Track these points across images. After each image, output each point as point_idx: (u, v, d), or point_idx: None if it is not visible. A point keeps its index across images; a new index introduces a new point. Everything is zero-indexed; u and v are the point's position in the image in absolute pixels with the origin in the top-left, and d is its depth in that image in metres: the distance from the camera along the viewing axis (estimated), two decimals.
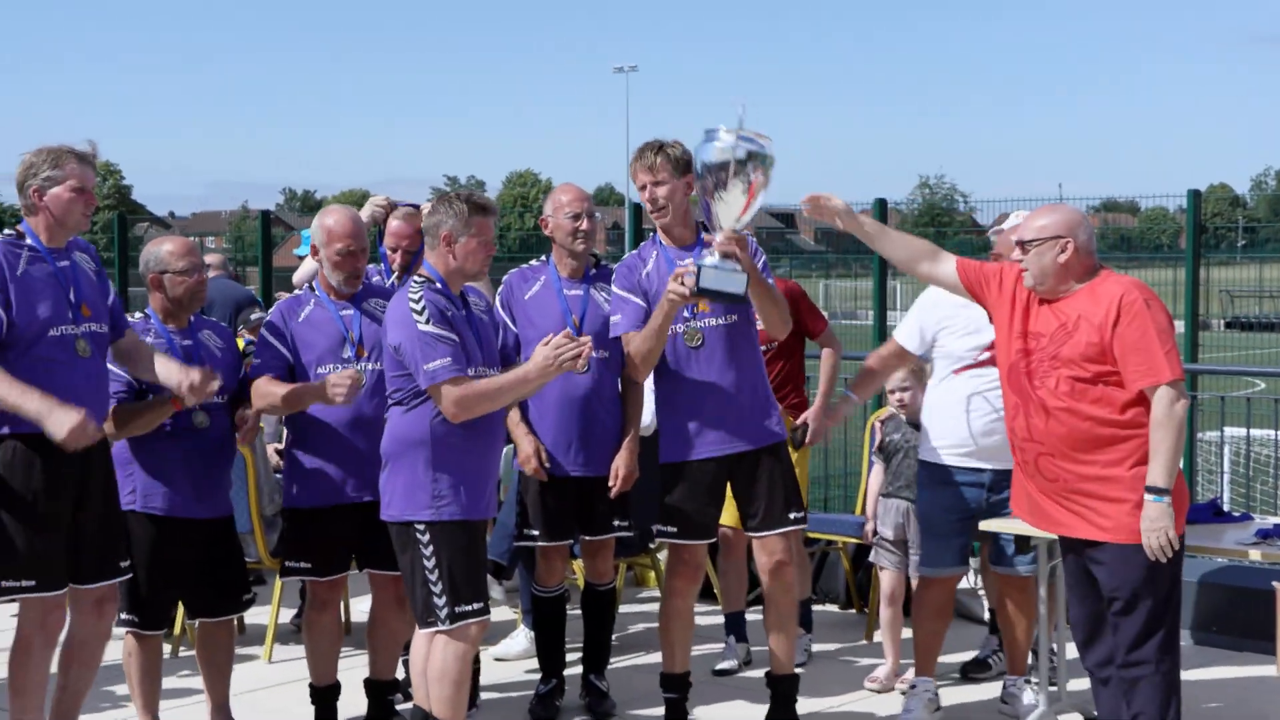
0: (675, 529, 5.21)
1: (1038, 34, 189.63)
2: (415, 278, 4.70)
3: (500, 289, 5.54)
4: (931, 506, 5.49)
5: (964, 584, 6.23)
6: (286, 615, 6.81)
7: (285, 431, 5.27)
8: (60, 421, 4.36)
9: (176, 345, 4.98)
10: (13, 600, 4.65)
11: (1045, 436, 4.46)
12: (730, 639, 6.30)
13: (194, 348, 5.01)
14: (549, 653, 5.68)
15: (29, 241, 4.63)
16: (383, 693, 5.30)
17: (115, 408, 4.81)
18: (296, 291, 5.56)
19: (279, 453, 5.91)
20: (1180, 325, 8.73)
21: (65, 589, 4.66)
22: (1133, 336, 4.33)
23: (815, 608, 6.78)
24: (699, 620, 5.55)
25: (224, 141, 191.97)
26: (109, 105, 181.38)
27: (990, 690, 5.87)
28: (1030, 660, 5.57)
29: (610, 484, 5.37)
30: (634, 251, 5.37)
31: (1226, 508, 5.69)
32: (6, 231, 4.69)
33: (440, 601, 4.56)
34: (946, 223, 42.60)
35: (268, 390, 4.96)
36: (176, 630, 6.44)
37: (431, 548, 4.56)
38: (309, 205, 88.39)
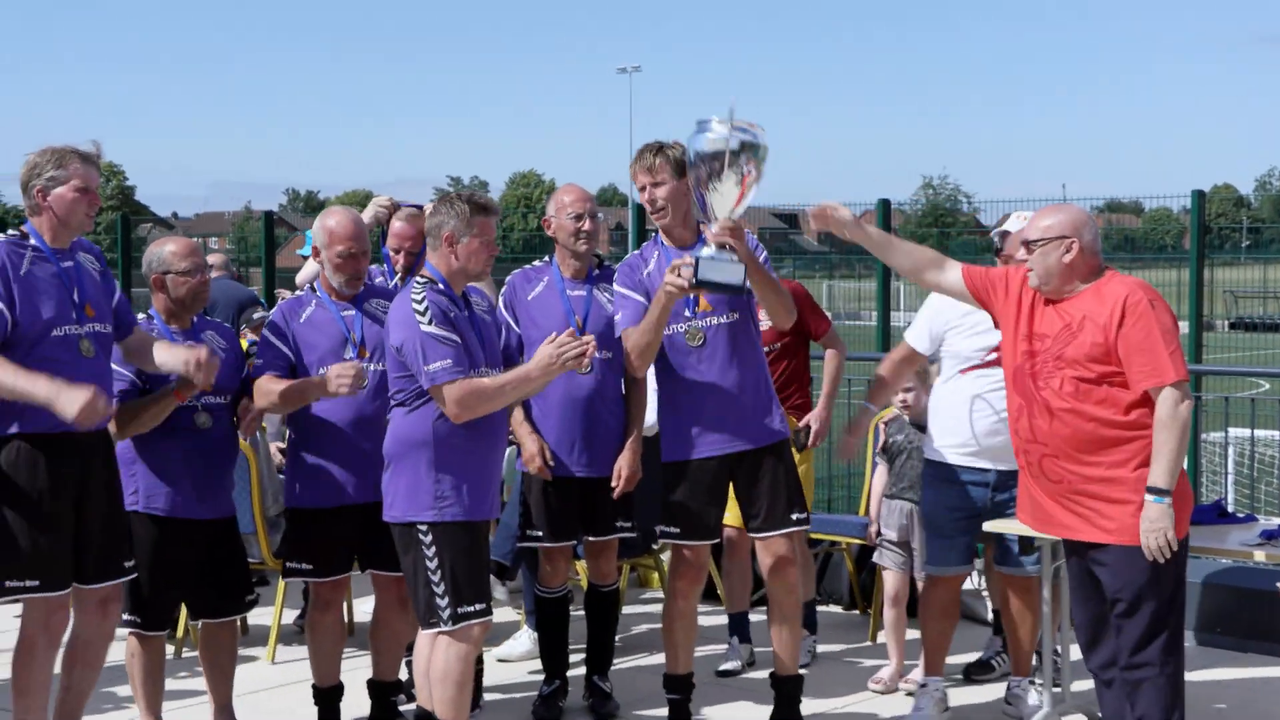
0: (678, 529, 5.20)
1: (1042, 34, 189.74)
2: (418, 278, 4.70)
3: (503, 290, 5.54)
4: (936, 505, 5.49)
5: (967, 585, 6.22)
6: (290, 616, 6.81)
7: (288, 431, 5.26)
8: (70, 401, 4.35)
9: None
10: (16, 600, 4.65)
11: (1049, 438, 4.45)
12: (733, 640, 6.29)
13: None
14: (552, 654, 5.68)
15: (33, 242, 4.64)
16: (386, 694, 5.29)
17: (118, 408, 4.80)
18: (298, 292, 5.56)
19: (281, 451, 5.91)
20: (1184, 326, 8.70)
21: (69, 589, 4.66)
22: (1137, 337, 4.33)
23: (819, 608, 6.77)
24: (703, 621, 5.55)
25: (225, 142, 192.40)
26: (110, 106, 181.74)
27: (994, 691, 5.87)
28: (1034, 661, 5.57)
29: (613, 484, 5.36)
30: (636, 251, 5.37)
31: (1231, 509, 5.69)
32: (10, 232, 4.70)
33: (443, 602, 4.55)
34: (950, 223, 42.62)
35: (269, 388, 4.96)
36: (179, 631, 6.44)
37: (434, 548, 4.56)
38: (312, 206, 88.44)
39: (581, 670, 5.76)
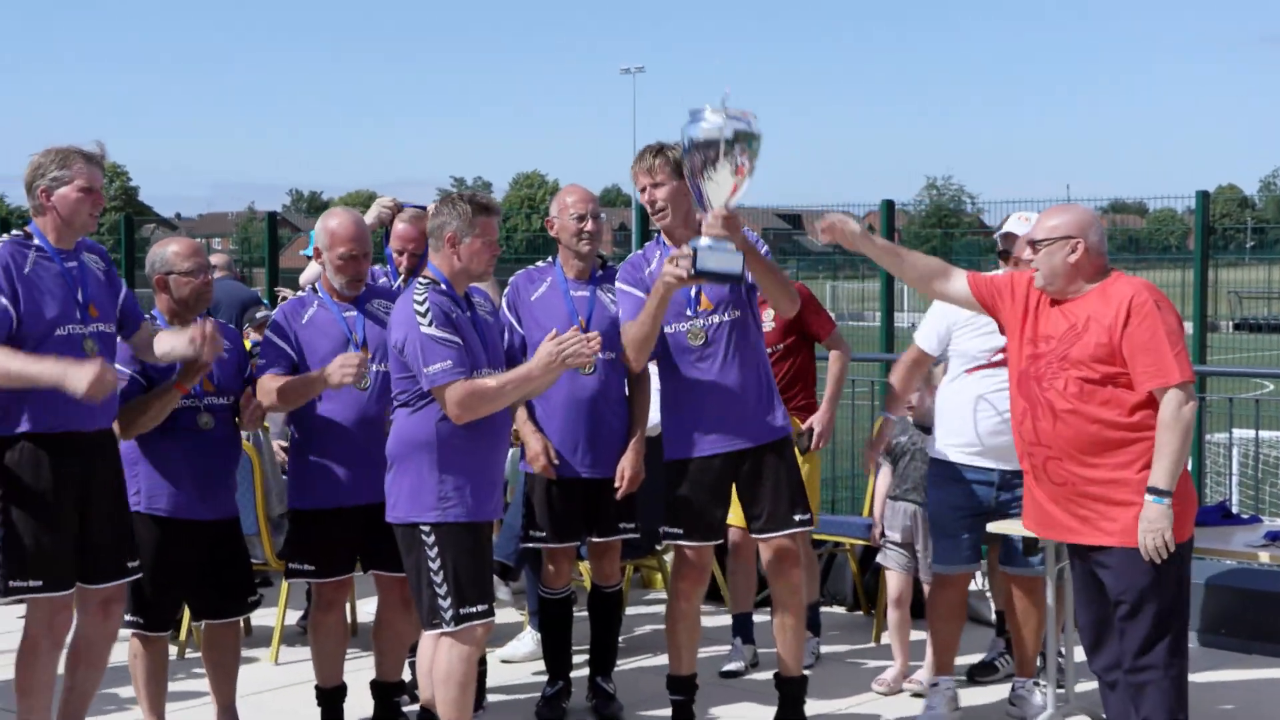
0: (680, 530, 5.20)
1: (1045, 34, 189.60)
2: (420, 279, 4.70)
3: (506, 291, 5.54)
4: (941, 504, 5.50)
5: (971, 586, 6.21)
6: (293, 617, 6.81)
7: (291, 431, 5.26)
8: (79, 377, 4.35)
9: None
10: (20, 601, 4.65)
11: (1053, 440, 4.45)
12: (737, 640, 6.29)
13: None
14: (555, 654, 5.68)
15: (36, 242, 4.64)
16: (389, 694, 5.29)
17: (122, 408, 4.80)
18: (300, 292, 5.56)
19: (284, 449, 5.91)
20: (1188, 327, 8.70)
21: (72, 589, 4.66)
22: (1142, 337, 4.32)
23: (822, 609, 6.77)
24: (707, 622, 5.55)
25: (227, 142, 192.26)
26: (112, 106, 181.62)
27: (998, 693, 5.86)
28: (1039, 662, 5.56)
29: (616, 485, 5.36)
30: (639, 251, 5.37)
31: (1235, 510, 5.68)
32: (14, 232, 4.71)
33: (445, 603, 4.55)
34: (954, 224, 42.60)
35: (270, 386, 4.96)
36: (183, 632, 6.44)
37: (437, 549, 4.56)
38: (315, 206, 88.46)
39: (585, 671, 5.75)
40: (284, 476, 6.31)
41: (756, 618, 6.35)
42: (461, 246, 4.66)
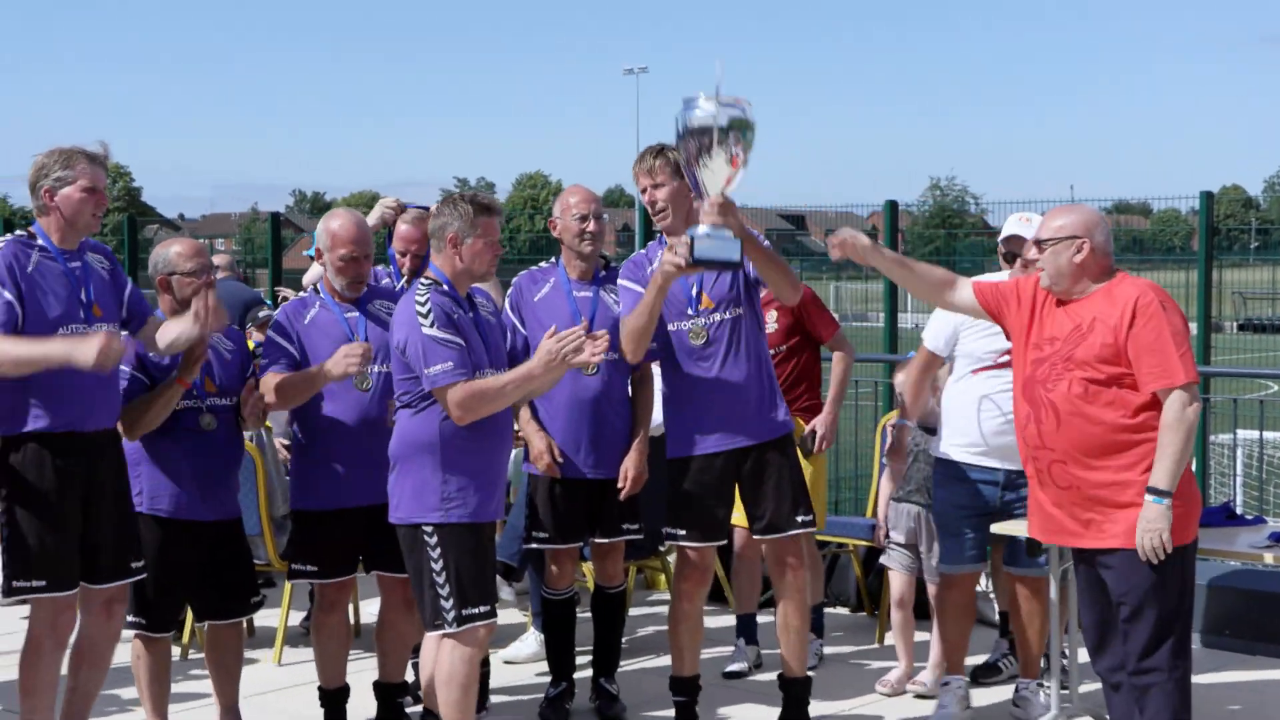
0: (683, 531, 5.19)
1: (1048, 35, 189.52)
2: (422, 280, 4.69)
3: (509, 291, 5.54)
4: (947, 504, 5.50)
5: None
6: (296, 618, 6.81)
7: (295, 431, 5.25)
8: (86, 350, 4.36)
9: None
10: (24, 601, 4.65)
11: (1057, 442, 4.43)
12: (740, 641, 6.28)
13: None
14: (559, 655, 5.67)
15: (40, 242, 4.65)
16: (392, 695, 5.29)
17: (125, 408, 4.80)
18: (302, 293, 5.56)
19: (287, 447, 5.91)
20: (1193, 327, 8.70)
21: (76, 589, 4.66)
22: (1147, 338, 4.31)
23: (826, 610, 6.76)
24: (711, 623, 5.54)
25: (231, 143, 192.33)
26: (115, 107, 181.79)
27: (1002, 694, 5.85)
28: (1042, 663, 5.56)
29: (620, 486, 5.36)
30: (641, 250, 5.37)
31: (1239, 510, 5.66)
32: (18, 232, 4.71)
33: (447, 604, 4.54)
34: (957, 224, 42.59)
35: (271, 383, 4.96)
36: (186, 633, 6.44)
37: (439, 550, 4.55)
38: (318, 207, 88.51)
39: (588, 672, 5.75)
40: (288, 476, 6.31)
41: (760, 618, 6.34)
42: (463, 247, 4.66)
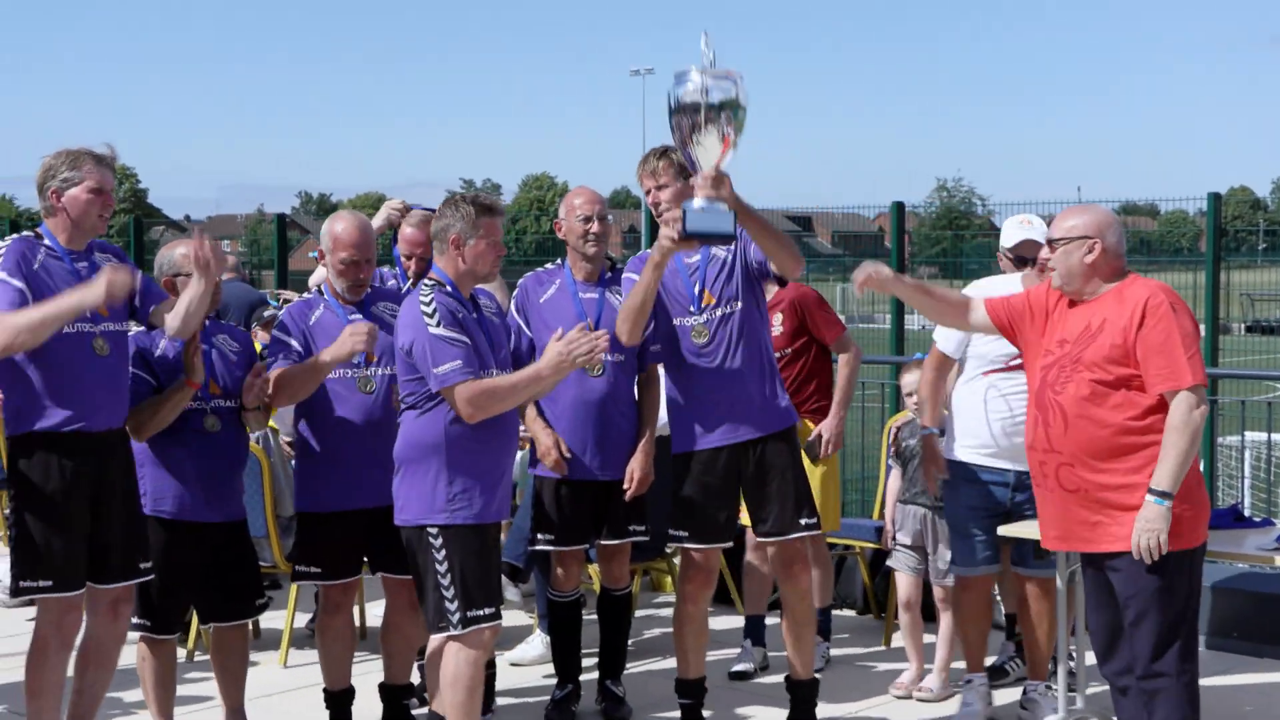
0: (687, 533, 5.18)
1: (1056, 36, 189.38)
2: (426, 281, 4.69)
3: (515, 293, 5.53)
4: (958, 505, 5.49)
5: None
6: (302, 620, 6.80)
7: (300, 431, 5.24)
8: (93, 289, 4.41)
9: None
10: (30, 603, 4.65)
11: (1064, 445, 4.42)
12: (747, 643, 6.27)
13: (209, 351, 5.00)
14: (565, 658, 5.66)
15: (46, 242, 4.65)
16: (397, 697, 5.28)
17: (133, 410, 4.80)
18: (305, 294, 5.55)
19: (291, 445, 5.90)
20: (1200, 329, 8.70)
21: (82, 590, 4.66)
22: (1156, 339, 4.30)
23: (833, 612, 6.74)
24: (718, 625, 5.52)
25: (237, 144, 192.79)
26: (121, 108, 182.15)
27: (1009, 696, 5.83)
28: (1050, 665, 5.54)
29: (626, 487, 5.35)
30: (647, 250, 5.36)
31: (1247, 513, 5.65)
32: (25, 233, 4.71)
33: (452, 606, 4.54)
34: (964, 226, 42.58)
35: (272, 377, 4.96)
36: (191, 636, 6.44)
37: (444, 552, 4.55)
38: (325, 208, 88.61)
39: (594, 674, 5.74)
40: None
41: (769, 620, 6.33)
42: (466, 248, 4.65)
